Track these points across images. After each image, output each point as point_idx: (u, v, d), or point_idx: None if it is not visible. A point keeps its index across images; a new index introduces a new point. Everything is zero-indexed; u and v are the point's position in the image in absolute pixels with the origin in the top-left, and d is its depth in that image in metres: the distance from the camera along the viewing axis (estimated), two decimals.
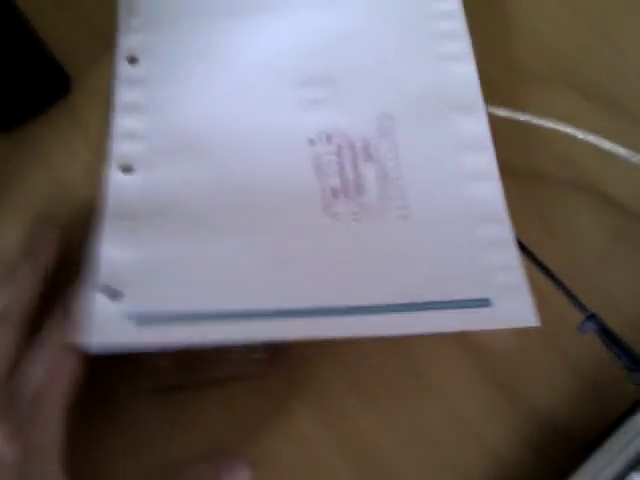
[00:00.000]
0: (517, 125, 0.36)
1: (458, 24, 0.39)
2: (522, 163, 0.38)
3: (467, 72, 0.38)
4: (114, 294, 0.30)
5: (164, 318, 0.30)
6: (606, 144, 0.36)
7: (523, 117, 0.36)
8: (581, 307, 0.32)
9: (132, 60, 0.39)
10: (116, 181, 0.34)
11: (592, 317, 0.31)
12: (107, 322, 0.30)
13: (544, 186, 0.37)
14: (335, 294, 0.32)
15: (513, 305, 0.32)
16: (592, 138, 0.36)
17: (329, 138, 0.36)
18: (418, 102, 0.37)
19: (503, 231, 0.34)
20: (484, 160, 0.35)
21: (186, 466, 0.28)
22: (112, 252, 0.32)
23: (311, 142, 0.36)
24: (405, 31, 0.39)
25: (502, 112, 0.36)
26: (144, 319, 0.30)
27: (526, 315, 0.31)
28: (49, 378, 0.28)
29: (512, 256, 0.33)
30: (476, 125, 0.36)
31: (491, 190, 0.35)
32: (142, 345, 0.29)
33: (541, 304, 0.31)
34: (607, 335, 0.31)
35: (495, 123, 0.36)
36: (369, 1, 0.40)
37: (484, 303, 0.32)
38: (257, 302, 0.31)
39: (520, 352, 0.34)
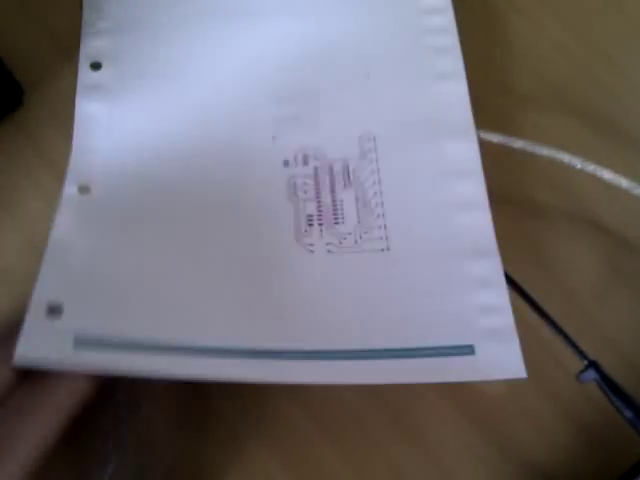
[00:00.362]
0: (510, 152, 0.33)
1: (450, 40, 0.36)
2: (515, 193, 0.35)
3: (458, 92, 0.35)
4: (52, 309, 0.27)
5: (103, 343, 0.27)
6: (607, 174, 0.33)
7: (517, 144, 0.33)
8: (580, 353, 0.29)
9: (95, 66, 0.35)
10: (71, 200, 0.31)
11: (592, 365, 0.28)
12: (40, 338, 0.27)
13: (538, 218, 0.34)
14: (301, 335, 0.29)
15: (499, 354, 0.28)
16: (592, 167, 0.33)
17: (305, 159, 0.33)
18: (404, 122, 0.34)
19: (492, 267, 0.30)
20: (473, 188, 0.32)
21: None
22: (55, 266, 0.29)
23: (286, 163, 0.33)
24: (393, 45, 0.36)
25: (494, 137, 0.33)
26: (80, 341, 0.27)
27: (513, 365, 0.28)
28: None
29: (501, 296, 0.30)
30: (466, 150, 0.33)
31: (480, 221, 0.32)
32: (73, 367, 0.26)
33: (534, 345, 0.28)
34: (608, 385, 0.28)
35: (486, 149, 0.33)
36: (356, 11, 0.37)
37: (467, 351, 0.29)
38: (212, 337, 0.28)
39: (513, 398, 0.31)
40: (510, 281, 0.30)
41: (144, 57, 0.36)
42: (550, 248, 0.33)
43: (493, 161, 0.32)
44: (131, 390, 0.29)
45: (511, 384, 0.30)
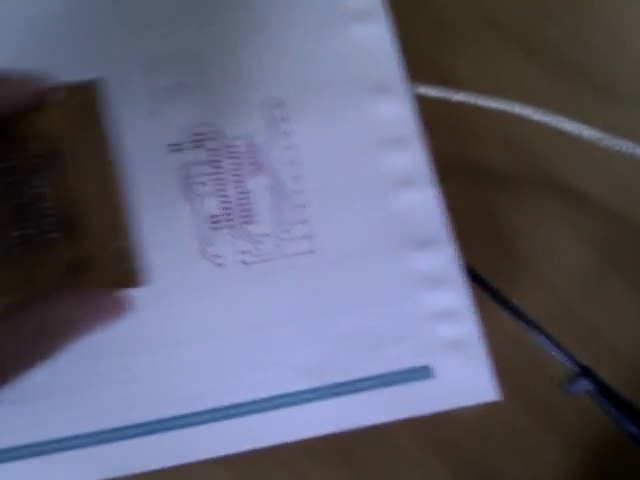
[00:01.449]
0: (453, 107, 0.27)
1: None
2: (463, 157, 0.28)
3: (380, 34, 0.27)
4: None
5: None
6: (568, 125, 0.27)
7: (458, 96, 0.27)
8: (570, 359, 0.24)
9: None
10: None
11: (585, 372, 0.23)
12: None
13: (494, 186, 0.28)
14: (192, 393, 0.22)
15: (463, 372, 0.23)
16: (549, 118, 0.27)
17: (199, 141, 0.26)
18: (318, 80, 0.27)
19: (444, 258, 0.25)
20: (411, 157, 0.26)
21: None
22: None
23: (173, 148, 0.26)
24: None
25: (432, 91, 0.27)
26: None
27: (482, 386, 0.23)
28: None
29: (459, 296, 0.24)
30: (398, 110, 0.27)
31: (424, 201, 0.26)
32: None
33: (512, 354, 0.23)
34: (606, 396, 0.23)
35: (423, 106, 0.26)
36: None
37: (422, 374, 0.23)
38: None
39: (490, 420, 0.26)
40: (471, 273, 0.25)
41: None
42: (514, 224, 0.28)
43: (433, 122, 0.26)
44: None
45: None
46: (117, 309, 0.21)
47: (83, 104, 0.21)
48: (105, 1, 0.27)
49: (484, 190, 0.28)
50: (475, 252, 0.24)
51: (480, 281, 0.25)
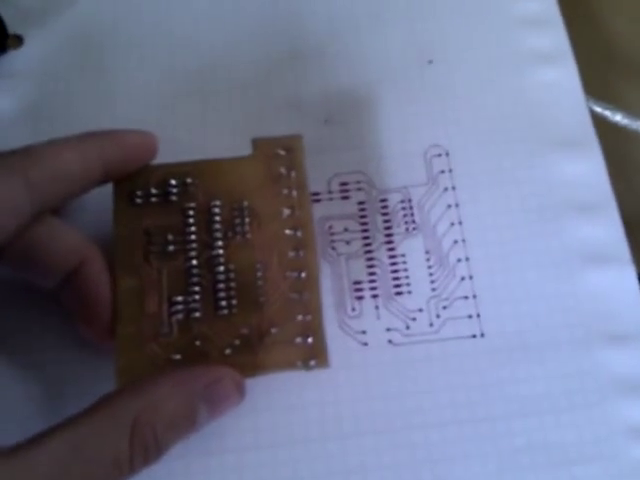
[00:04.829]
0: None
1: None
2: None
3: (566, 78, 0.23)
4: None
5: None
6: None
7: None
8: None
9: None
10: None
11: None
12: None
13: None
14: None
15: None
16: None
17: (344, 191, 0.22)
18: (490, 130, 0.22)
19: None
20: (605, 228, 0.21)
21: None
22: None
23: (312, 198, 0.22)
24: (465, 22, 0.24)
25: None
26: None
27: None
28: None
29: None
30: (589, 171, 0.22)
31: (621, 278, 0.20)
32: None
33: None
34: None
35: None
36: None
37: None
38: None
39: None
40: None
41: None
42: None
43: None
44: None
45: None
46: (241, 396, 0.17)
47: (290, 155, 0.19)
48: None
49: None
50: None
51: None
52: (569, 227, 0.21)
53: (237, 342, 0.18)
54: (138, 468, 0.16)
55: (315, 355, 0.18)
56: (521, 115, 0.22)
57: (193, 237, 0.19)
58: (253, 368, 0.18)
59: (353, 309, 0.20)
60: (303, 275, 0.18)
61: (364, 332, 0.20)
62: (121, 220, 0.19)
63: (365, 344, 0.20)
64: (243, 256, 0.18)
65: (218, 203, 0.19)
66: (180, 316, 0.18)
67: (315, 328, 0.18)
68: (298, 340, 0.18)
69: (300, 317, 0.18)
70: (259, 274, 0.18)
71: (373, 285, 0.21)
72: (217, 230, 0.19)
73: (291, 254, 0.18)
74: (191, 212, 0.19)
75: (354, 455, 0.19)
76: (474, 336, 0.20)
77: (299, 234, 0.19)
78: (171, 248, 0.18)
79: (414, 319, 0.20)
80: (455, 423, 0.19)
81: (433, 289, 0.20)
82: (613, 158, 0.22)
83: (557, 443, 0.19)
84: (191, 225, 0.19)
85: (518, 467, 0.18)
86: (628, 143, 0.23)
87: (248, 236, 0.19)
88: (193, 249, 0.18)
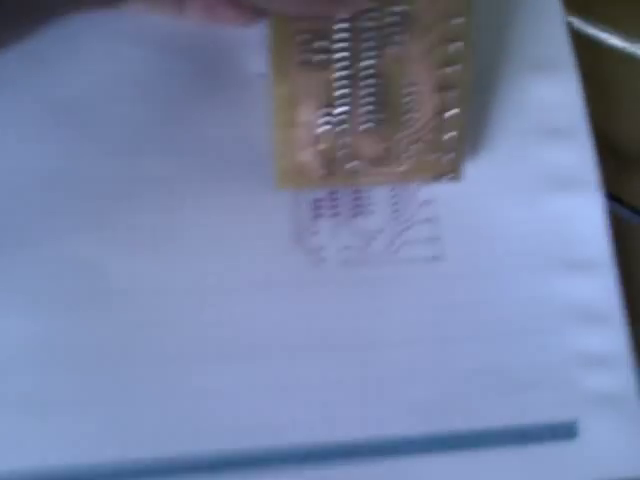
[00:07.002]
0: None
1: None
2: None
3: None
4: None
5: None
6: None
7: None
8: None
9: None
10: None
11: None
12: None
13: None
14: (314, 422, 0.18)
15: (615, 435, 0.18)
16: None
17: None
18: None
19: (605, 289, 0.19)
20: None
21: None
22: None
23: None
24: None
25: None
26: None
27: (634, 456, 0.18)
28: None
29: (618, 338, 0.19)
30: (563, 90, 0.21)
31: (586, 204, 0.20)
32: None
33: None
34: None
35: None
36: None
37: (565, 431, 0.18)
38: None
39: None
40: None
41: None
42: None
43: None
44: None
45: None
46: None
47: None
48: None
49: None
50: None
51: None
52: (536, 151, 0.21)
53: (381, 154, 0.18)
54: None
55: (452, 169, 0.19)
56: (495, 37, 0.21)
57: (346, 45, 0.18)
58: (393, 176, 0.19)
59: (310, 227, 0.20)
60: (453, 93, 0.18)
61: (320, 248, 0.20)
62: (277, 27, 0.18)
63: (321, 260, 0.19)
64: (395, 69, 0.18)
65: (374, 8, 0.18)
66: (329, 127, 0.18)
67: (458, 144, 0.18)
68: (437, 155, 0.18)
69: (445, 135, 0.18)
70: (409, 89, 0.18)
71: (333, 205, 0.20)
72: (371, 39, 0.18)
73: (447, 70, 0.18)
74: (345, 24, 0.18)
75: (300, 367, 0.18)
76: (434, 258, 0.20)
77: (454, 47, 0.18)
78: (323, 57, 0.18)
79: (374, 239, 0.20)
80: (406, 343, 0.19)
81: (395, 210, 0.20)
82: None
83: (509, 368, 0.19)
84: (344, 31, 0.18)
85: (468, 391, 0.19)
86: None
87: (402, 47, 0.18)
88: (345, 58, 0.18)
